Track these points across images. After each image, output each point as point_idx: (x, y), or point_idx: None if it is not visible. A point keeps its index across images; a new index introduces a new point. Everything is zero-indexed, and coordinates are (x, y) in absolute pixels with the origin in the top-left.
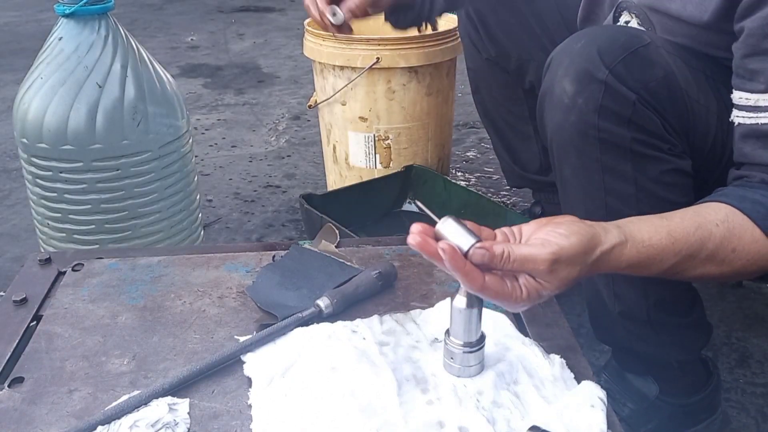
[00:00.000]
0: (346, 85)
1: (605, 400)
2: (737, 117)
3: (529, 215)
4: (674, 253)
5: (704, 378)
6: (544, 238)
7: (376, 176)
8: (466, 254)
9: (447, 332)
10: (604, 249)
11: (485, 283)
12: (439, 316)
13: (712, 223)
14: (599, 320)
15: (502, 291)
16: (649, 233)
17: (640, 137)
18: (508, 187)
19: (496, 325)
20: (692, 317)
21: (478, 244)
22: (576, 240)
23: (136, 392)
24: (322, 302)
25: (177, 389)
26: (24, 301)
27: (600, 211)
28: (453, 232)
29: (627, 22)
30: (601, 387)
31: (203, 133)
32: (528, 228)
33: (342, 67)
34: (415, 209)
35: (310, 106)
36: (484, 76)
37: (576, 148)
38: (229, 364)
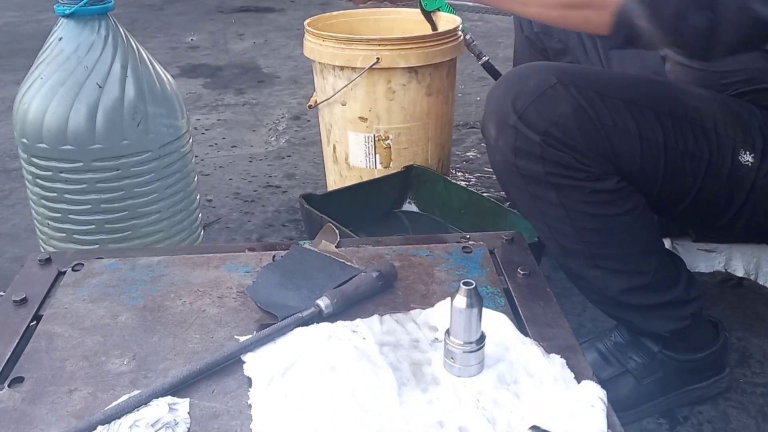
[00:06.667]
0: (346, 85)
1: (605, 400)
2: None
3: None
4: None
5: (711, 337)
6: None
7: (376, 176)
8: None
9: (447, 332)
10: None
11: None
12: (439, 316)
13: None
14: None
15: None
16: None
17: (554, 171)
18: None
19: (496, 325)
20: (672, 295)
21: None
22: None
23: (136, 392)
24: (322, 302)
25: (177, 389)
26: (24, 301)
27: (543, 228)
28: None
29: None
30: (611, 345)
31: (203, 133)
32: None
33: (342, 67)
34: (415, 209)
35: (310, 106)
36: (522, 58)
37: (508, 180)
38: (229, 364)
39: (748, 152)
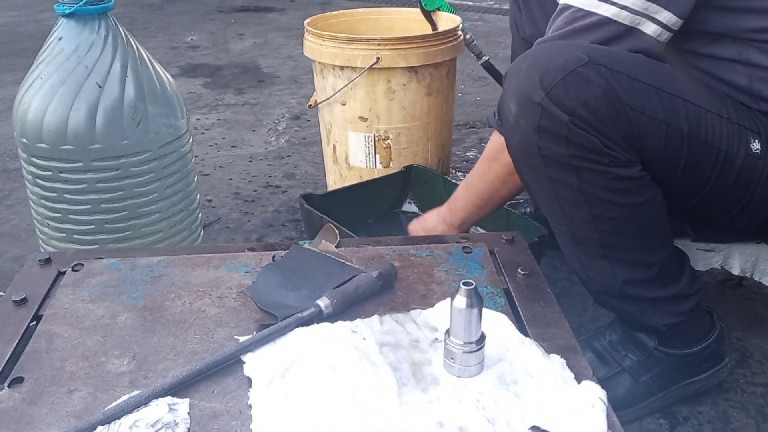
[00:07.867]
0: (346, 85)
1: (605, 400)
2: None
3: (529, 215)
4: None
5: (706, 329)
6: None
7: (376, 176)
8: None
9: (447, 332)
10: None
11: None
12: (439, 316)
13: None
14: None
15: None
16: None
17: (578, 154)
18: None
19: (496, 325)
20: (675, 289)
21: None
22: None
23: (136, 392)
24: (322, 302)
25: (177, 389)
26: (24, 301)
27: (557, 212)
28: None
29: None
30: (606, 344)
31: (203, 133)
32: None
33: (342, 67)
34: (415, 209)
35: (310, 106)
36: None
37: (525, 162)
38: (229, 364)
39: (756, 140)
